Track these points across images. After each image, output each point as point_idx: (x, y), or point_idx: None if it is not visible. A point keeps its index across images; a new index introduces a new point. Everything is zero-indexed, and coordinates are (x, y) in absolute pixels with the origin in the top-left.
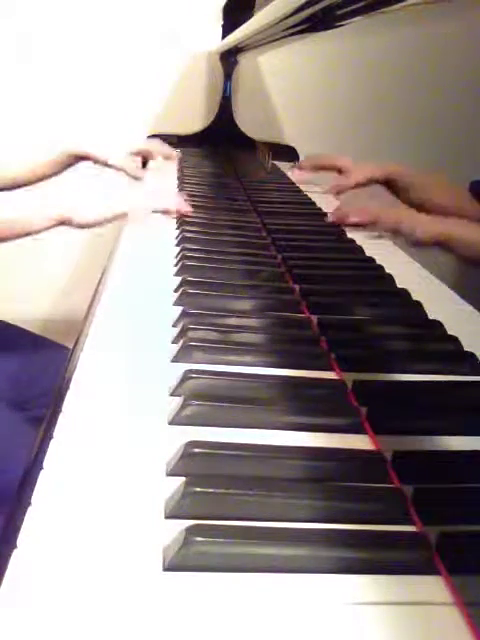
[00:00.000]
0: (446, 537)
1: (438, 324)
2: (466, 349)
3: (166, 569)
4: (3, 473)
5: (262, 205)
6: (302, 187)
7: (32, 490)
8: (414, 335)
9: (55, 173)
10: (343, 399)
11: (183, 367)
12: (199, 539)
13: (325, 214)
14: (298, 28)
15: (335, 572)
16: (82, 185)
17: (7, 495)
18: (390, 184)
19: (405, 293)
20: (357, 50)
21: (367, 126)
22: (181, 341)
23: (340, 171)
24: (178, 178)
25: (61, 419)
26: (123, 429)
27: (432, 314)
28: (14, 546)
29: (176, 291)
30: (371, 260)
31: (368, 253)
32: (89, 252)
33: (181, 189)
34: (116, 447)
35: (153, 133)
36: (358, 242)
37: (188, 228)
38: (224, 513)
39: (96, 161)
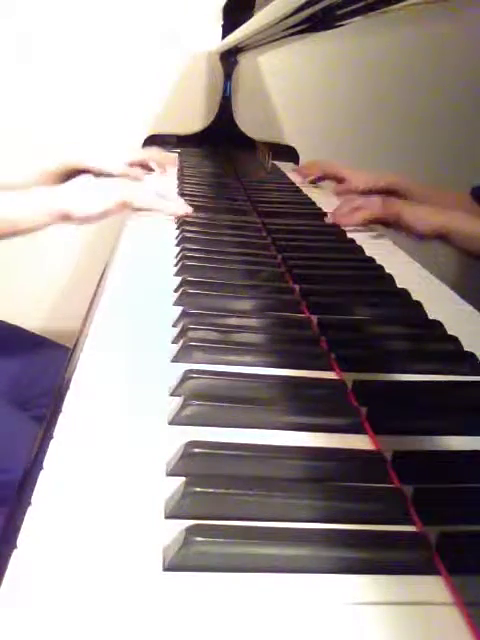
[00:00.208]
0: (446, 537)
1: (438, 324)
2: (466, 349)
3: (166, 569)
4: (3, 473)
5: (262, 205)
6: (302, 187)
7: (32, 490)
8: (414, 335)
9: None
10: (343, 399)
11: (183, 367)
12: (199, 539)
13: (325, 214)
14: (298, 28)
15: (335, 572)
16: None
17: (7, 495)
18: (391, 193)
19: (405, 293)
20: (357, 50)
21: (367, 126)
22: (181, 341)
23: (341, 180)
24: (178, 178)
25: (61, 419)
26: (123, 429)
27: (432, 314)
28: (14, 546)
29: (176, 291)
30: (371, 260)
31: (368, 253)
32: (89, 252)
33: (181, 189)
34: (116, 447)
35: (153, 133)
36: (358, 242)
37: (188, 228)
38: (224, 513)
39: (96, 174)
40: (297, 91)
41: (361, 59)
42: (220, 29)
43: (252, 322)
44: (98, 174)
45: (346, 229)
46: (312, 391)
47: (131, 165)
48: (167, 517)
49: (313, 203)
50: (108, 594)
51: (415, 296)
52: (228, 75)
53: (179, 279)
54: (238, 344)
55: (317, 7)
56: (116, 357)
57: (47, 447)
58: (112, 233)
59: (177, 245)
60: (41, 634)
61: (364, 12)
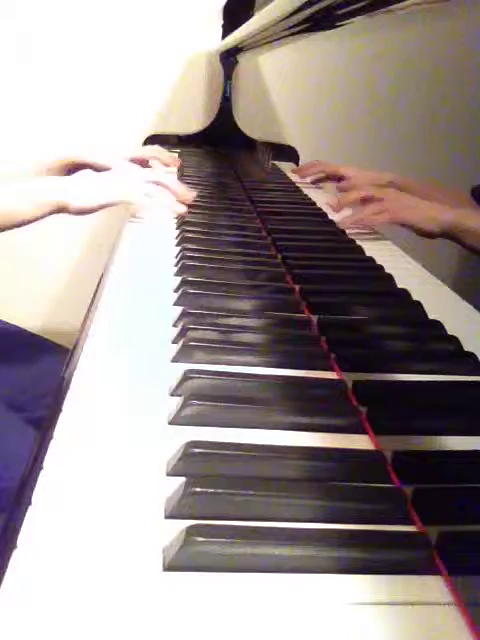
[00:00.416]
0: (446, 537)
1: (438, 324)
2: (466, 349)
3: (166, 569)
4: (3, 473)
5: (262, 205)
6: (302, 187)
7: (32, 490)
8: (414, 335)
9: None
10: (343, 399)
11: (183, 367)
12: (199, 539)
13: (325, 214)
14: (298, 28)
15: (335, 572)
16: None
17: (7, 495)
18: None
19: (405, 293)
20: (357, 50)
21: (367, 126)
22: (181, 341)
23: (341, 178)
24: (178, 178)
25: (61, 419)
26: (123, 429)
27: (432, 314)
28: (14, 546)
29: (176, 291)
30: (371, 260)
31: (368, 253)
32: (89, 252)
33: None
34: (116, 447)
35: (153, 133)
36: (358, 242)
37: (188, 228)
38: (224, 513)
39: (96, 169)
40: (297, 91)
41: (361, 59)
42: (220, 29)
43: (252, 322)
44: (98, 170)
45: (347, 229)
46: (312, 391)
47: (132, 162)
48: (167, 517)
49: (313, 203)
50: (108, 594)
51: (415, 296)
52: (228, 75)
53: (179, 279)
54: (238, 344)
55: (317, 7)
56: (116, 357)
57: (47, 447)
58: (112, 233)
59: (177, 245)
60: (41, 634)
61: (364, 12)
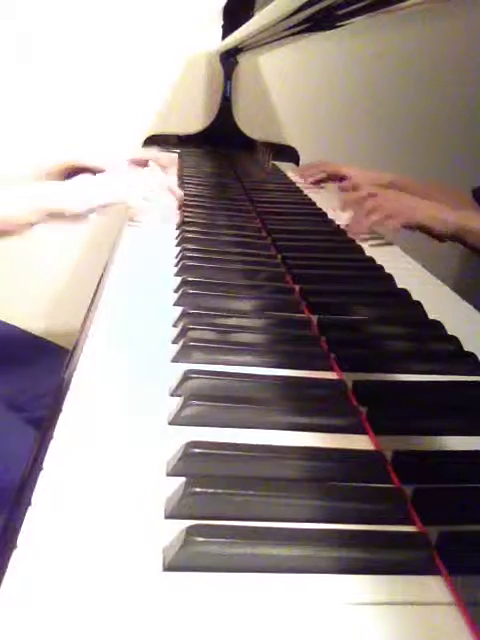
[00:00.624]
0: (446, 537)
1: (438, 324)
2: (466, 349)
3: (166, 569)
4: (3, 473)
5: (262, 205)
6: (302, 187)
7: (32, 490)
8: (414, 335)
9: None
10: (343, 399)
11: (183, 367)
12: (199, 539)
13: (325, 214)
14: (298, 28)
15: (335, 572)
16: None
17: (7, 495)
18: None
19: (405, 293)
20: (357, 50)
21: (367, 126)
22: (181, 341)
23: (343, 178)
24: (178, 178)
25: (61, 419)
26: (123, 429)
27: (432, 314)
28: (14, 546)
29: (176, 291)
30: (371, 260)
31: (368, 253)
32: (89, 252)
33: (182, 190)
34: (116, 447)
35: (153, 133)
36: (358, 242)
37: (188, 228)
38: (224, 513)
39: (95, 172)
40: (297, 91)
41: (361, 59)
42: (220, 29)
43: (252, 322)
44: (97, 173)
45: (356, 238)
46: (312, 391)
47: (131, 164)
48: (167, 517)
49: (313, 203)
50: (108, 594)
51: (415, 296)
52: (228, 75)
53: (179, 279)
54: (238, 344)
55: (317, 7)
56: (116, 357)
57: (47, 447)
58: (112, 233)
59: (177, 245)
60: (41, 634)
61: (364, 12)
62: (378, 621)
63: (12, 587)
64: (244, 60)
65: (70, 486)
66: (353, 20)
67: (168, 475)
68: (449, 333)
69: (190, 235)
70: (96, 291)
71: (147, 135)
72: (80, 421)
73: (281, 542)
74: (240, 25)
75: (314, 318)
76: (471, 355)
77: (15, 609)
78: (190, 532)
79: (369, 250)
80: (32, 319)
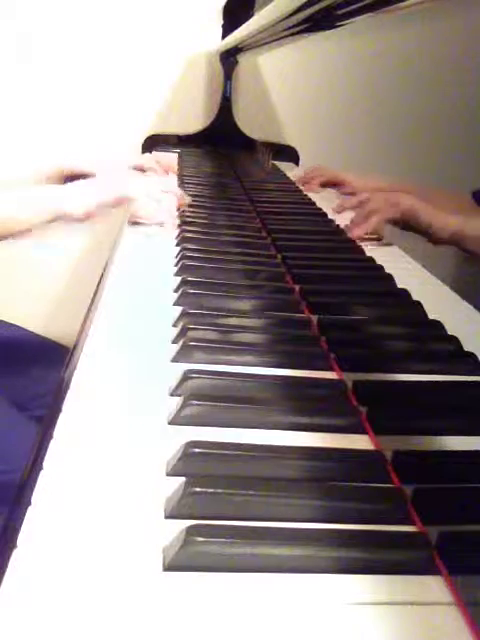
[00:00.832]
0: (446, 537)
1: (438, 324)
2: (466, 349)
3: (166, 569)
4: (3, 473)
5: (262, 205)
6: (302, 187)
7: (32, 490)
8: (414, 335)
9: None
10: (343, 399)
11: (183, 367)
12: (199, 539)
13: (325, 214)
14: (298, 28)
15: (335, 572)
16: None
17: (7, 495)
18: None
19: (405, 293)
20: (357, 50)
21: (367, 126)
22: (181, 341)
23: (342, 184)
24: (178, 178)
25: (61, 419)
26: (123, 429)
27: (432, 314)
28: (14, 546)
29: (176, 291)
30: (371, 260)
31: (368, 253)
32: (89, 252)
33: (181, 190)
34: (116, 447)
35: (153, 133)
36: (358, 242)
37: (188, 228)
38: (224, 513)
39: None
40: (297, 91)
41: (361, 59)
42: (220, 29)
43: (252, 322)
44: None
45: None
46: (312, 391)
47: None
48: (167, 517)
49: (313, 203)
50: (108, 594)
51: (415, 296)
52: (228, 75)
53: (179, 279)
54: (238, 344)
55: (317, 7)
56: (116, 357)
57: (47, 447)
58: (112, 233)
59: (177, 245)
60: (41, 634)
61: (364, 12)
62: (378, 621)
63: (12, 587)
64: (244, 60)
65: (70, 486)
66: (353, 20)
67: (168, 475)
68: (449, 333)
69: (190, 235)
70: (96, 291)
71: (147, 135)
72: (80, 421)
73: (281, 542)
74: (240, 25)
75: (314, 318)
76: (471, 355)
77: (15, 609)
78: (190, 532)
79: (369, 250)
80: (33, 319)
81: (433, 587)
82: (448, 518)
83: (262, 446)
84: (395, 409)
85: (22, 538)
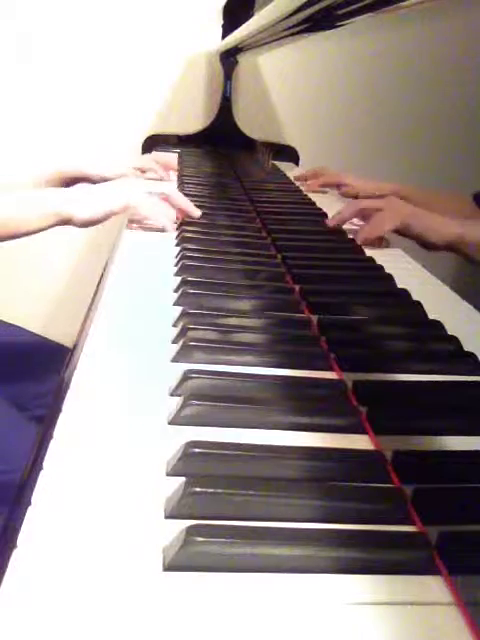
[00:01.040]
0: (446, 537)
1: (438, 324)
2: (466, 349)
3: (166, 569)
4: (3, 473)
5: (262, 205)
6: (302, 187)
7: (32, 490)
8: (414, 335)
9: None
10: (343, 399)
11: (183, 367)
12: (199, 539)
13: (325, 214)
14: (298, 28)
15: (335, 572)
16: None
17: (7, 495)
18: None
19: (405, 293)
20: (357, 50)
21: (367, 127)
22: (181, 341)
23: (342, 186)
24: (178, 178)
25: (61, 419)
26: (123, 429)
27: (432, 314)
28: (14, 546)
29: (176, 291)
30: (371, 260)
31: (368, 253)
32: (89, 252)
33: (181, 190)
34: (116, 447)
35: (153, 133)
36: (358, 242)
37: (188, 228)
38: (224, 513)
39: (96, 182)
40: (297, 91)
41: (361, 59)
42: (220, 29)
43: (252, 322)
44: (97, 182)
45: (347, 231)
46: (312, 391)
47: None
48: (167, 517)
49: (313, 203)
50: (108, 594)
51: (415, 296)
52: (228, 75)
53: (179, 279)
54: (238, 344)
55: (317, 7)
56: (116, 357)
57: (47, 447)
58: (112, 233)
59: (177, 245)
60: (41, 634)
61: (364, 12)
62: (378, 621)
63: (12, 587)
64: (244, 60)
65: (70, 486)
66: (353, 20)
67: (168, 475)
68: (449, 333)
69: (190, 235)
70: (96, 291)
71: (147, 135)
72: (80, 421)
73: (281, 542)
74: (240, 25)
75: (314, 318)
76: (471, 355)
77: (15, 609)
78: (190, 532)
79: (369, 250)
80: (33, 319)
81: (433, 587)
82: (448, 518)
83: (262, 446)
84: (395, 409)
85: (22, 538)
